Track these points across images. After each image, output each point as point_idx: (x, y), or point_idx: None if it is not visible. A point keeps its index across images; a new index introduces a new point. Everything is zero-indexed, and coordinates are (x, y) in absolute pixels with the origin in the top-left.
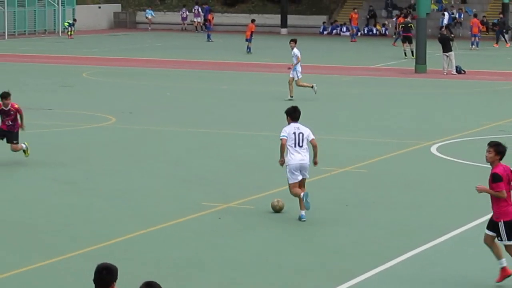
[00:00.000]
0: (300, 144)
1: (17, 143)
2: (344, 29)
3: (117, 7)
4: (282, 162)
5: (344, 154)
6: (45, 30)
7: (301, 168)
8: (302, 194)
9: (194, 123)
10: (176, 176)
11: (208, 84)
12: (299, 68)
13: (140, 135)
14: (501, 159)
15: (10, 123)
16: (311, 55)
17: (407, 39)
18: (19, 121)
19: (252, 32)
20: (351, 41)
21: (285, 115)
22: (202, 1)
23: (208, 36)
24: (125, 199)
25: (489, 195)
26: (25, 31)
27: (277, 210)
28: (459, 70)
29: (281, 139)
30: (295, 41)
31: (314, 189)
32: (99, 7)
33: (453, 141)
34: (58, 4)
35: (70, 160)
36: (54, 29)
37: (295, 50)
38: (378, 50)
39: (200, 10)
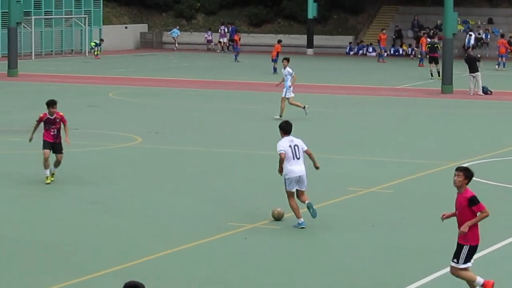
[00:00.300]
0: (298, 156)
1: (63, 153)
2: (371, 49)
3: (143, 27)
4: (281, 171)
5: (370, 174)
6: (72, 50)
7: (299, 180)
8: (306, 203)
9: (220, 143)
10: (202, 196)
11: (235, 104)
12: (291, 87)
13: (166, 155)
14: (468, 183)
15: (56, 132)
16: (338, 75)
17: (433, 60)
18: (65, 133)
19: (278, 53)
20: (378, 61)
21: (280, 131)
22: (228, 21)
23: (236, 57)
24: (151, 219)
25: (454, 219)
26: (52, 51)
27: (277, 218)
28: (485, 91)
29: (280, 153)
30: (288, 60)
31: (340, 209)
32: (126, 28)
33: (479, 161)
34: (85, 25)
35: (97, 179)
36: (81, 49)
37: (289, 69)
38: (404, 71)
39: (226, 30)
